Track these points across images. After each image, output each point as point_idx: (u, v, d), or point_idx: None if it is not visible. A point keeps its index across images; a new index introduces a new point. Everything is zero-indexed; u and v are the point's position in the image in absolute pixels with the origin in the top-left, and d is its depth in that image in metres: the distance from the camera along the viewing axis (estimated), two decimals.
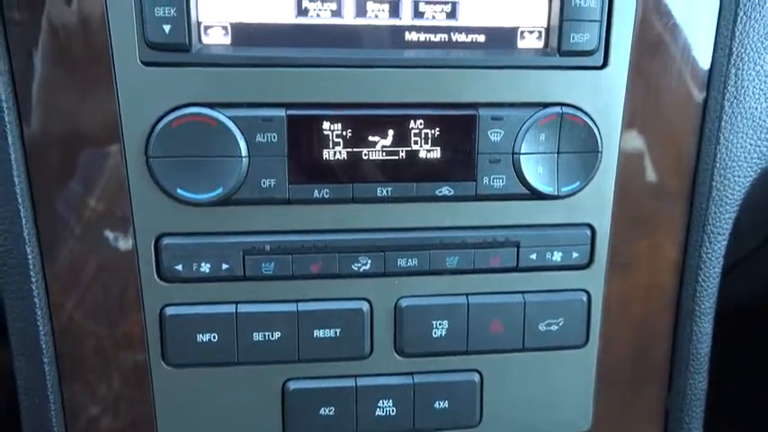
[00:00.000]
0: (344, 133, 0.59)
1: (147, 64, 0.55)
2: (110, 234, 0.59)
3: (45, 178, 0.57)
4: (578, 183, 0.61)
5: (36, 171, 0.57)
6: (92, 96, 0.56)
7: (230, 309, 0.61)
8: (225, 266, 0.60)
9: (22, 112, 0.55)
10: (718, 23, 0.60)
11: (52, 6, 0.54)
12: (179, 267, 0.59)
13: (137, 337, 0.61)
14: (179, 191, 0.57)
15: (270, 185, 0.58)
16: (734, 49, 0.60)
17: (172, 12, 0.54)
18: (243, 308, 0.61)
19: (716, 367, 0.70)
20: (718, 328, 0.68)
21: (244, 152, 0.57)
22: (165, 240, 0.59)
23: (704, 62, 0.61)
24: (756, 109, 0.62)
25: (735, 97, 0.61)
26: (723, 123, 0.62)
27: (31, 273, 0.58)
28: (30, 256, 0.57)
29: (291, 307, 0.61)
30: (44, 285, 0.59)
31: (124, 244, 0.59)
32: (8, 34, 0.54)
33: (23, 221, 0.57)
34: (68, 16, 0.54)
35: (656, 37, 0.60)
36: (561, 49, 0.58)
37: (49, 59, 0.55)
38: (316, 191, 0.59)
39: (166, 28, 0.54)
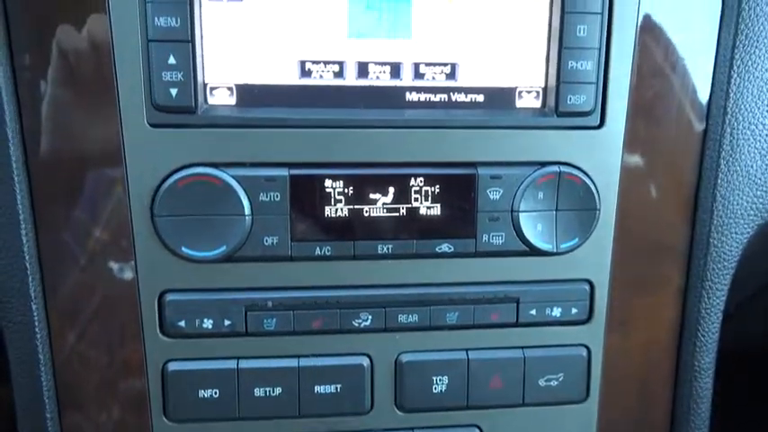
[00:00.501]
0: (346, 191, 0.60)
1: (153, 125, 0.56)
2: (114, 265, 0.60)
3: (49, 221, 0.59)
4: (577, 240, 0.62)
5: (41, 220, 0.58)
6: (98, 157, 0.57)
7: (232, 364, 0.61)
8: (227, 322, 0.60)
9: (32, 168, 0.57)
10: (712, 84, 0.62)
11: (59, 69, 0.55)
12: (182, 323, 0.60)
13: (138, 392, 0.62)
14: (183, 249, 0.58)
15: (272, 243, 0.59)
16: (728, 110, 0.61)
17: (179, 76, 0.55)
18: (244, 363, 0.61)
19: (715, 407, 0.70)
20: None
21: (247, 211, 0.58)
22: (169, 297, 0.59)
23: (700, 121, 0.63)
24: (752, 167, 0.63)
25: (730, 156, 0.62)
26: (719, 181, 0.62)
27: (33, 305, 0.59)
28: (32, 291, 0.58)
29: (293, 362, 0.62)
30: (46, 319, 0.60)
31: (128, 274, 0.60)
32: (19, 89, 0.55)
33: (26, 258, 0.57)
34: (77, 77, 0.56)
35: (651, 98, 0.61)
36: (559, 110, 0.60)
37: (58, 121, 0.56)
38: (318, 248, 0.60)
39: (173, 91, 0.55)
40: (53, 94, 0.56)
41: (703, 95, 0.62)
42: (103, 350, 0.61)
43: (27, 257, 0.57)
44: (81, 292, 0.60)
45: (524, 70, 0.61)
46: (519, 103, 0.61)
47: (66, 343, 0.61)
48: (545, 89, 0.61)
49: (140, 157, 0.57)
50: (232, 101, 0.59)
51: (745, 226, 0.64)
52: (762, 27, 0.59)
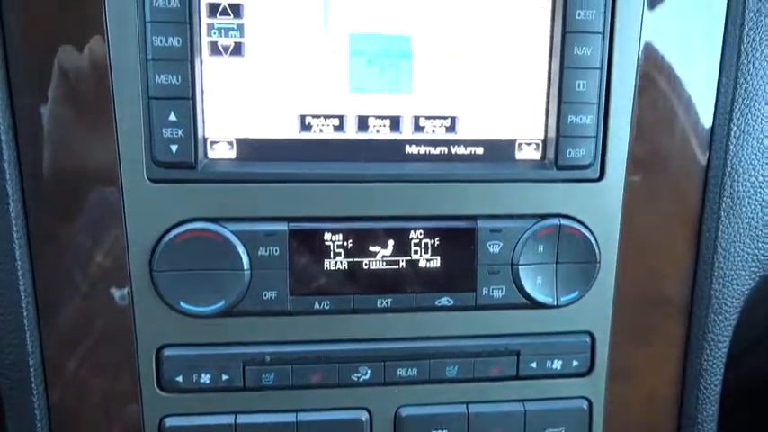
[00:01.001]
0: (345, 243, 0.59)
1: (153, 181, 0.56)
2: (111, 321, 0.59)
3: (46, 279, 0.58)
4: (577, 293, 0.62)
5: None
6: (98, 214, 0.57)
7: (229, 419, 0.60)
8: (225, 377, 0.60)
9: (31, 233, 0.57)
10: (712, 137, 0.62)
11: (60, 128, 0.55)
12: (179, 379, 0.59)
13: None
14: (182, 304, 0.57)
15: (271, 297, 0.59)
16: (728, 162, 0.61)
17: (179, 132, 0.55)
18: (242, 418, 0.61)
19: None
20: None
21: (246, 266, 0.58)
22: (167, 352, 0.59)
23: (700, 174, 0.63)
24: (753, 219, 0.63)
25: (731, 208, 0.62)
26: (720, 233, 0.62)
27: (30, 359, 0.58)
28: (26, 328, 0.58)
29: (290, 417, 0.61)
30: (42, 374, 0.60)
31: (126, 329, 0.59)
32: (21, 152, 0.56)
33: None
34: (77, 134, 0.56)
35: (651, 151, 0.61)
36: (558, 163, 0.60)
37: (58, 177, 0.56)
38: (316, 302, 0.59)
39: (173, 148, 0.56)
40: (54, 161, 0.56)
41: (703, 148, 0.62)
42: (100, 405, 0.60)
43: (25, 314, 0.57)
44: (78, 347, 0.59)
45: (524, 123, 0.61)
46: (519, 155, 0.61)
47: (63, 398, 0.60)
48: (545, 141, 0.61)
49: (140, 212, 0.57)
50: (232, 155, 0.59)
51: (747, 278, 0.63)
52: (760, 82, 0.60)
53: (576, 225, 0.61)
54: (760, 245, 0.63)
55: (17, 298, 0.57)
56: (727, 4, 0.60)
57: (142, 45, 0.54)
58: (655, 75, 0.60)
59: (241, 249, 0.57)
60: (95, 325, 0.59)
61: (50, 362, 0.59)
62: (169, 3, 0.53)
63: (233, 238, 0.57)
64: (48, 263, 0.58)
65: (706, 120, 0.62)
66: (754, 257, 0.63)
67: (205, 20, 0.56)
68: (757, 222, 0.63)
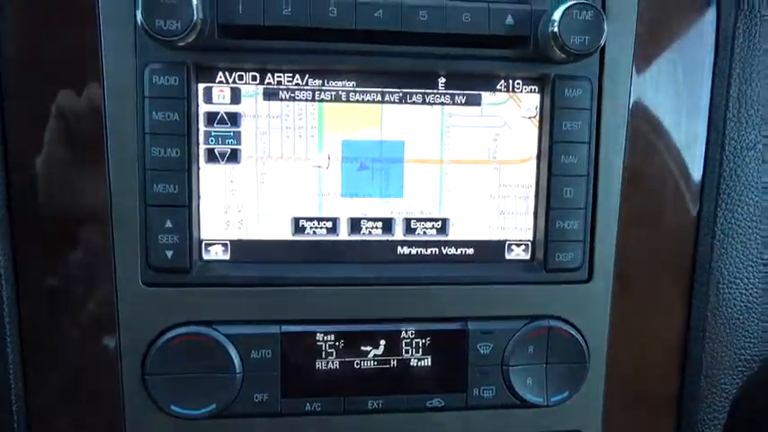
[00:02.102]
0: (337, 344, 0.60)
1: (147, 284, 0.57)
2: (101, 423, 0.59)
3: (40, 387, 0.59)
4: (567, 393, 0.62)
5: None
6: (93, 314, 0.58)
7: None
8: None
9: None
10: (696, 241, 0.63)
11: (58, 241, 0.57)
12: None
13: None
14: (173, 407, 0.58)
15: (262, 400, 0.59)
16: (713, 266, 0.62)
17: (175, 238, 0.56)
18: None
19: None
20: None
21: (238, 369, 0.58)
22: None
23: (686, 274, 0.64)
24: (738, 318, 0.64)
25: (716, 308, 0.63)
26: (707, 333, 0.63)
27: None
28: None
29: None
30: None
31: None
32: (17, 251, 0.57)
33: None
34: (74, 239, 0.57)
35: (637, 252, 0.62)
36: (547, 266, 0.61)
37: (53, 280, 0.57)
38: (307, 404, 0.60)
39: (169, 253, 0.57)
40: (49, 268, 0.57)
41: (688, 250, 0.63)
42: None
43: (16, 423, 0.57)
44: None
45: (513, 225, 0.62)
46: (508, 256, 0.63)
47: None
48: (533, 242, 0.62)
49: (133, 315, 0.57)
50: (226, 256, 0.60)
51: (734, 377, 0.64)
52: (743, 189, 0.61)
53: (565, 326, 0.61)
54: (746, 344, 0.64)
55: (8, 420, 0.57)
56: (709, 111, 0.62)
57: (141, 155, 0.55)
58: (639, 181, 0.61)
59: (233, 353, 0.58)
60: (86, 427, 0.59)
61: None
62: (168, 116, 0.55)
63: (225, 342, 0.58)
64: (41, 370, 0.58)
65: (691, 222, 0.63)
66: (741, 357, 0.64)
67: (203, 128, 0.58)
68: (743, 322, 0.64)
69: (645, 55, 0.60)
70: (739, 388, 0.64)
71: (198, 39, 0.53)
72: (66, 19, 0.55)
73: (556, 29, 0.54)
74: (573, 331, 0.61)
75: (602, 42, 0.55)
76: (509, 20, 0.56)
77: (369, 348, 0.61)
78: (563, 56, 0.55)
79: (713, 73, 0.61)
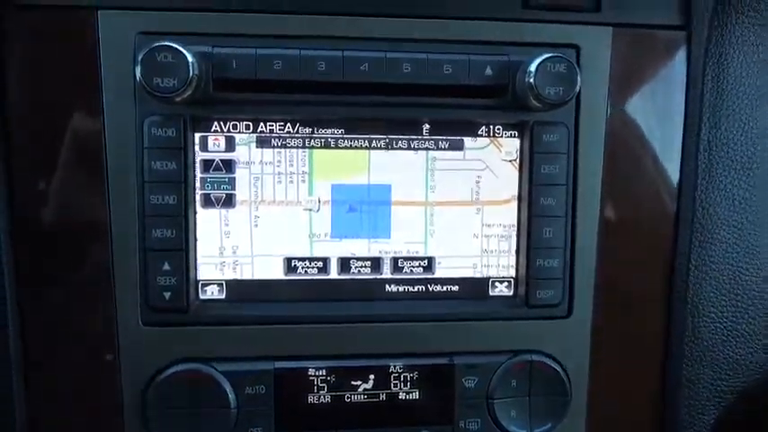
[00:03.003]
0: (328, 379, 0.63)
1: (147, 324, 0.60)
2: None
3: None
4: (550, 424, 0.64)
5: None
6: (95, 353, 0.61)
7: None
8: None
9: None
10: (672, 279, 0.66)
11: (59, 280, 0.60)
12: None
13: None
14: None
15: None
16: (689, 299, 0.65)
17: (173, 281, 0.59)
18: None
19: None
20: None
21: (233, 404, 0.61)
22: None
23: (663, 312, 0.66)
24: (714, 351, 0.66)
25: (693, 342, 0.65)
26: (684, 365, 0.66)
27: None
28: None
29: None
30: None
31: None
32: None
33: None
34: (76, 283, 0.60)
35: (615, 288, 0.65)
36: (529, 303, 0.64)
37: (55, 321, 0.60)
38: None
39: (167, 294, 0.59)
40: (52, 309, 0.60)
41: (664, 285, 0.66)
42: None
43: None
44: None
45: (496, 263, 0.65)
46: (492, 293, 0.65)
47: None
48: (516, 279, 0.65)
49: (133, 353, 0.60)
50: (222, 295, 0.63)
51: (712, 407, 0.67)
52: (715, 228, 0.64)
53: (547, 360, 0.64)
54: (723, 376, 0.66)
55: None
56: (682, 153, 0.65)
57: (140, 202, 0.58)
58: (615, 223, 0.64)
59: (228, 388, 0.61)
60: None
61: None
62: (166, 165, 0.58)
63: (221, 378, 0.60)
64: (41, 407, 0.61)
65: (665, 260, 0.66)
66: (717, 388, 0.66)
67: (199, 175, 0.61)
68: (718, 354, 0.66)
69: (619, 100, 0.63)
70: (716, 418, 0.67)
71: (194, 93, 0.56)
72: (69, 76, 0.58)
73: (532, 80, 0.58)
74: (554, 365, 0.64)
75: (576, 92, 0.59)
76: (488, 71, 0.60)
77: (359, 383, 0.63)
78: (539, 105, 0.59)
79: (684, 116, 0.64)
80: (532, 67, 0.58)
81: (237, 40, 0.58)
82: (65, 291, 0.60)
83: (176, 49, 0.54)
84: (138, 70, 0.55)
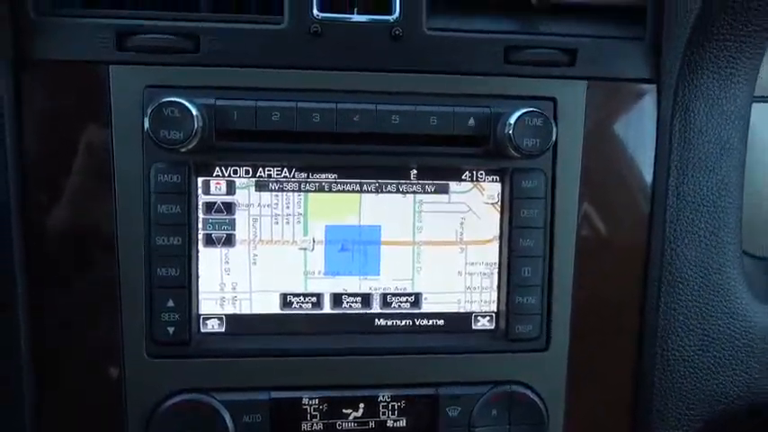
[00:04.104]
0: (321, 408, 0.67)
1: (151, 356, 0.64)
2: None
3: None
4: None
5: None
6: (101, 384, 0.65)
7: None
8: None
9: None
10: (642, 316, 0.70)
11: (70, 312, 0.64)
12: None
13: None
14: None
15: None
16: (659, 334, 0.70)
17: (176, 316, 0.64)
18: None
19: None
20: None
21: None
22: None
23: (635, 345, 0.71)
24: (683, 383, 0.71)
25: (662, 373, 0.70)
26: (654, 396, 0.70)
27: None
28: None
29: None
30: None
31: None
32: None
33: None
34: (84, 315, 0.64)
35: (590, 323, 0.70)
36: (509, 336, 0.68)
37: (64, 356, 0.64)
38: None
39: (170, 329, 0.64)
40: (61, 343, 0.64)
41: (636, 320, 0.71)
42: None
43: None
44: None
45: (479, 298, 0.69)
46: (475, 326, 0.70)
47: None
48: (497, 314, 0.70)
49: (138, 383, 0.64)
50: (222, 329, 0.67)
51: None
52: (682, 266, 0.69)
53: (525, 391, 0.68)
54: (692, 405, 0.71)
55: None
56: (652, 197, 0.70)
57: (147, 243, 0.63)
58: (591, 258, 0.69)
59: (227, 417, 0.65)
60: None
61: None
62: (171, 208, 0.63)
63: (220, 408, 0.65)
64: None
65: (636, 296, 0.70)
66: (686, 416, 0.71)
67: (202, 216, 0.65)
68: (686, 385, 0.71)
69: (593, 148, 0.68)
70: None
71: (198, 143, 0.60)
72: (82, 125, 0.62)
73: (511, 132, 0.62)
74: (532, 395, 0.68)
75: (552, 143, 0.63)
76: (471, 122, 0.65)
77: (350, 411, 0.68)
78: (517, 155, 0.63)
79: (654, 163, 0.69)
80: (511, 120, 0.62)
81: (238, 93, 0.63)
82: (76, 323, 0.64)
83: (182, 104, 0.59)
84: (146, 123, 0.59)
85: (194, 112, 0.59)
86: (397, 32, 0.64)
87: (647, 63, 0.68)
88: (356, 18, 0.64)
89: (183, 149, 0.60)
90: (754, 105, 0.72)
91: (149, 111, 0.59)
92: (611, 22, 0.68)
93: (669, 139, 0.68)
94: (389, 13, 0.64)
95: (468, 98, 0.65)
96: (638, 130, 0.69)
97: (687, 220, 0.69)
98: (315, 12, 0.63)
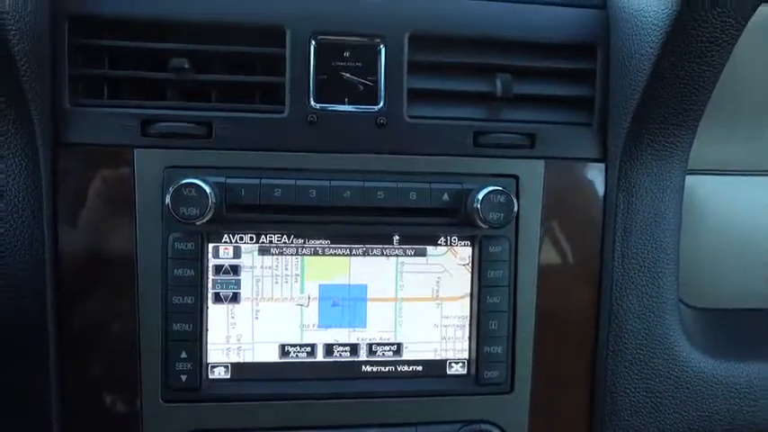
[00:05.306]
0: None
1: (166, 401, 0.73)
2: None
3: None
4: None
5: None
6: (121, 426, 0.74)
7: None
8: None
9: None
10: (593, 369, 0.81)
11: (96, 361, 0.73)
12: None
13: None
14: None
15: None
16: (608, 379, 0.80)
17: (188, 366, 0.73)
18: None
19: None
20: None
21: None
22: None
23: (587, 391, 0.82)
24: (629, 421, 0.81)
25: (611, 413, 0.81)
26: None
27: None
28: None
29: None
30: None
31: None
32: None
33: None
34: (107, 365, 0.73)
35: (549, 369, 0.80)
36: (479, 381, 0.78)
37: (90, 398, 0.73)
38: None
39: (183, 377, 0.73)
40: (89, 388, 0.73)
41: (588, 370, 0.81)
42: None
43: None
44: None
45: (453, 347, 0.80)
46: (449, 372, 0.80)
47: None
48: (469, 360, 0.80)
49: (154, 425, 0.73)
50: (228, 375, 0.76)
51: None
52: (626, 320, 0.80)
53: (493, 429, 0.78)
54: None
55: None
56: (601, 259, 0.81)
57: (163, 301, 0.72)
58: (549, 313, 0.80)
59: None
60: None
61: None
62: (185, 272, 0.72)
63: None
64: None
65: (588, 345, 0.81)
66: None
67: (211, 277, 0.75)
68: (632, 423, 0.81)
69: (550, 217, 0.79)
70: None
71: (211, 217, 0.70)
72: (109, 200, 0.72)
73: (478, 206, 0.73)
74: None
75: (514, 216, 0.74)
76: (445, 197, 0.75)
77: None
78: (484, 225, 0.74)
79: (602, 230, 0.80)
80: (479, 197, 0.73)
81: (245, 172, 0.73)
82: (101, 371, 0.73)
83: (198, 185, 0.69)
84: (167, 200, 0.69)
85: (208, 190, 0.69)
86: (381, 121, 0.75)
87: (596, 145, 0.80)
88: (347, 108, 0.75)
89: (197, 223, 0.70)
90: (691, 177, 0.84)
91: (170, 190, 0.69)
92: (564, 111, 0.80)
93: (615, 210, 0.79)
94: (375, 103, 0.75)
95: (442, 176, 0.76)
96: (589, 202, 0.80)
97: (630, 277, 0.80)
98: (312, 103, 0.74)
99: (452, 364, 0.80)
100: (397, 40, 0.74)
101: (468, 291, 0.79)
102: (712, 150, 0.88)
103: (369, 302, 0.78)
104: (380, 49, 0.75)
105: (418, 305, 0.78)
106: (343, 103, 0.75)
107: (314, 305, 0.77)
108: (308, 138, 0.74)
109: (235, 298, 0.76)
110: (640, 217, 0.80)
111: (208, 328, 0.75)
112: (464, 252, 0.79)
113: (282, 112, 0.74)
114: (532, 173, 0.78)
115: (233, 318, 0.76)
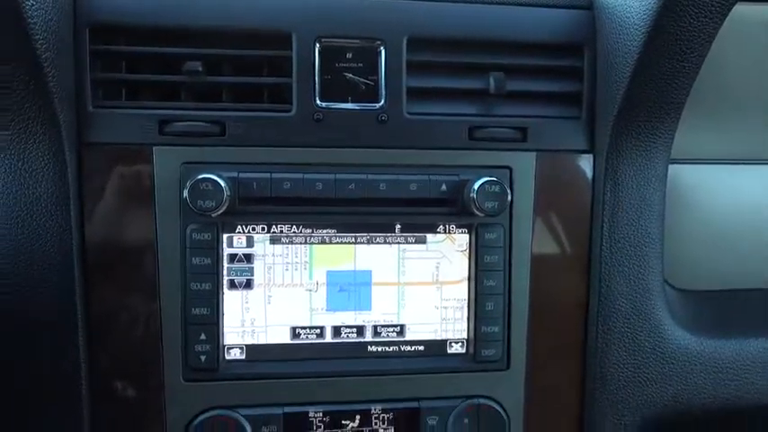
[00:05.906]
0: (324, 419, 0.82)
1: (187, 380, 0.79)
2: None
3: None
4: None
5: None
6: (144, 403, 0.79)
7: None
8: None
9: None
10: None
11: (122, 345, 0.79)
12: None
13: None
14: None
15: None
16: (597, 354, 0.86)
17: (207, 347, 0.79)
18: None
19: None
20: None
21: None
22: None
23: (577, 363, 0.87)
24: (617, 393, 0.87)
25: (601, 386, 0.86)
26: (595, 405, 0.86)
27: None
28: None
29: None
30: None
31: None
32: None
33: None
34: (132, 347, 0.79)
35: (542, 347, 0.86)
36: (477, 359, 0.84)
37: (115, 380, 0.79)
38: None
39: (202, 358, 0.79)
40: (114, 370, 0.79)
41: (579, 347, 0.87)
42: None
43: None
44: None
45: (452, 328, 0.85)
46: (449, 351, 0.85)
47: None
48: (467, 340, 0.85)
49: (176, 403, 0.79)
50: (243, 356, 0.82)
51: None
52: (612, 307, 0.85)
53: (491, 403, 0.84)
54: (625, 412, 0.87)
55: None
56: (589, 244, 0.86)
57: (183, 288, 0.78)
58: (542, 295, 0.85)
59: (249, 429, 0.79)
60: None
61: None
62: (203, 260, 0.78)
63: (243, 421, 0.79)
64: None
65: (580, 326, 0.87)
66: (620, 422, 0.87)
67: (226, 265, 0.80)
68: (620, 397, 0.87)
69: (542, 206, 0.84)
70: None
71: (226, 209, 0.76)
72: (131, 195, 0.77)
73: (474, 196, 0.79)
74: (497, 406, 0.84)
75: (508, 205, 0.80)
76: (443, 188, 0.81)
77: (348, 422, 0.83)
78: (480, 214, 0.80)
79: (590, 217, 0.86)
80: (475, 187, 0.79)
81: (257, 167, 0.78)
82: (127, 354, 0.78)
83: (214, 179, 0.75)
84: (185, 194, 0.75)
85: (223, 184, 0.75)
86: (382, 117, 0.80)
87: (584, 137, 0.85)
88: (350, 106, 0.80)
89: (213, 215, 0.75)
90: (674, 166, 0.90)
91: (188, 185, 0.75)
92: (554, 106, 0.85)
93: (602, 197, 0.85)
94: (376, 101, 0.81)
95: (440, 168, 0.82)
96: (578, 191, 0.86)
97: (618, 261, 0.85)
98: (317, 102, 0.79)
99: (452, 344, 0.85)
100: (397, 42, 0.80)
101: (466, 275, 0.84)
102: (693, 141, 0.93)
103: (373, 287, 0.83)
104: (381, 51, 0.80)
105: (419, 289, 0.84)
106: (347, 102, 0.80)
107: (322, 290, 0.82)
108: (314, 134, 0.79)
109: (248, 284, 0.81)
110: (627, 204, 0.85)
111: (224, 312, 0.81)
112: (462, 239, 0.84)
113: (290, 110, 0.79)
114: (525, 164, 0.83)
115: (247, 303, 0.81)
